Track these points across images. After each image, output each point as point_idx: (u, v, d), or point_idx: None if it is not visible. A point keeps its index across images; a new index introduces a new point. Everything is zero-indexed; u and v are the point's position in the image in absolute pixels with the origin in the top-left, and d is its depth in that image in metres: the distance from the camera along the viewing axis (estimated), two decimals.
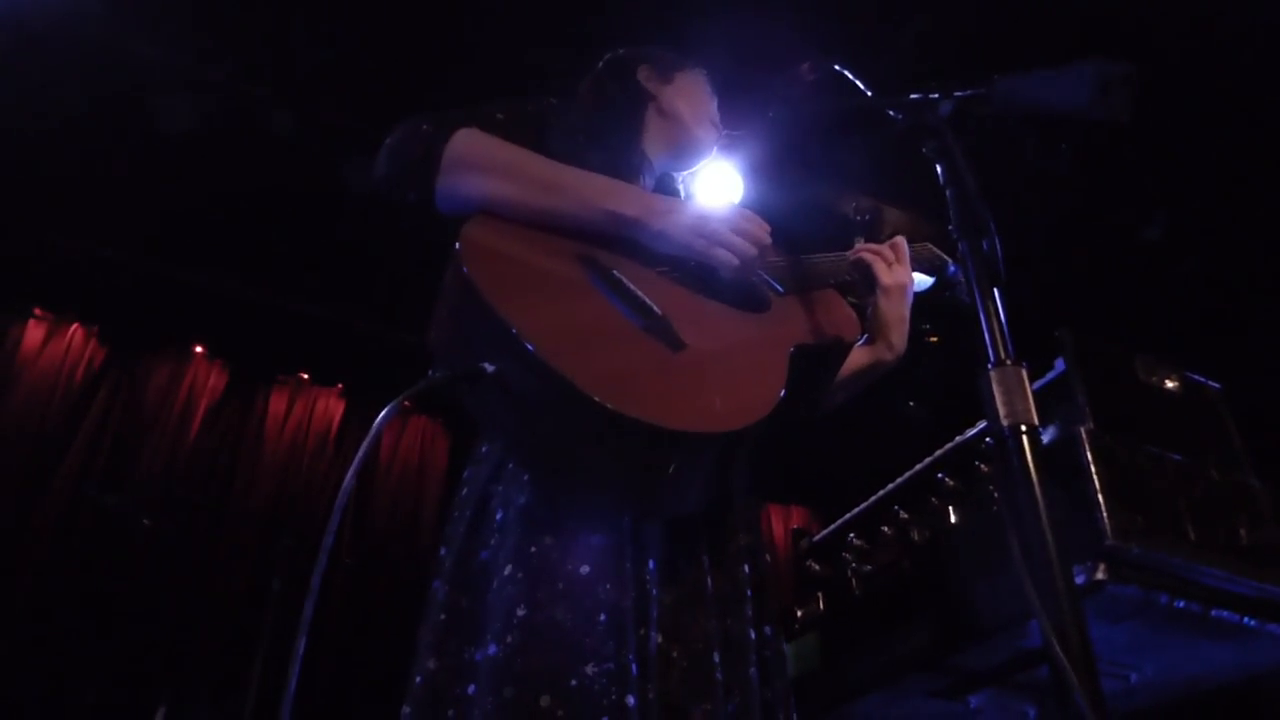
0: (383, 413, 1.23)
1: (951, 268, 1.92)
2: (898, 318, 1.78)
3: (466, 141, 1.49)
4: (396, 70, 4.32)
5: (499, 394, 1.26)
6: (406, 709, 1.32)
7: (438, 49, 4.23)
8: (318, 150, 4.62)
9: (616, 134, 1.78)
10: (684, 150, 1.89)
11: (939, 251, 1.96)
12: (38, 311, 5.37)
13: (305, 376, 5.95)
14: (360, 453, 1.16)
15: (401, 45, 4.24)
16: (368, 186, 4.56)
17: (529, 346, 1.18)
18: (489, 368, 1.23)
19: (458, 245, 1.33)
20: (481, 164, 1.47)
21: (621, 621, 1.27)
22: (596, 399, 1.15)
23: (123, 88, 4.32)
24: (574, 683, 1.21)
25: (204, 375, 5.66)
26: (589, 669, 1.22)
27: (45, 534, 4.77)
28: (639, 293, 1.38)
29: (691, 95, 1.91)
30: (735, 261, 1.48)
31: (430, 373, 1.33)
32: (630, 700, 1.21)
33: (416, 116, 1.54)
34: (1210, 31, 3.95)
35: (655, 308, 1.36)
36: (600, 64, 1.96)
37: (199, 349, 5.71)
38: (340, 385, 6.03)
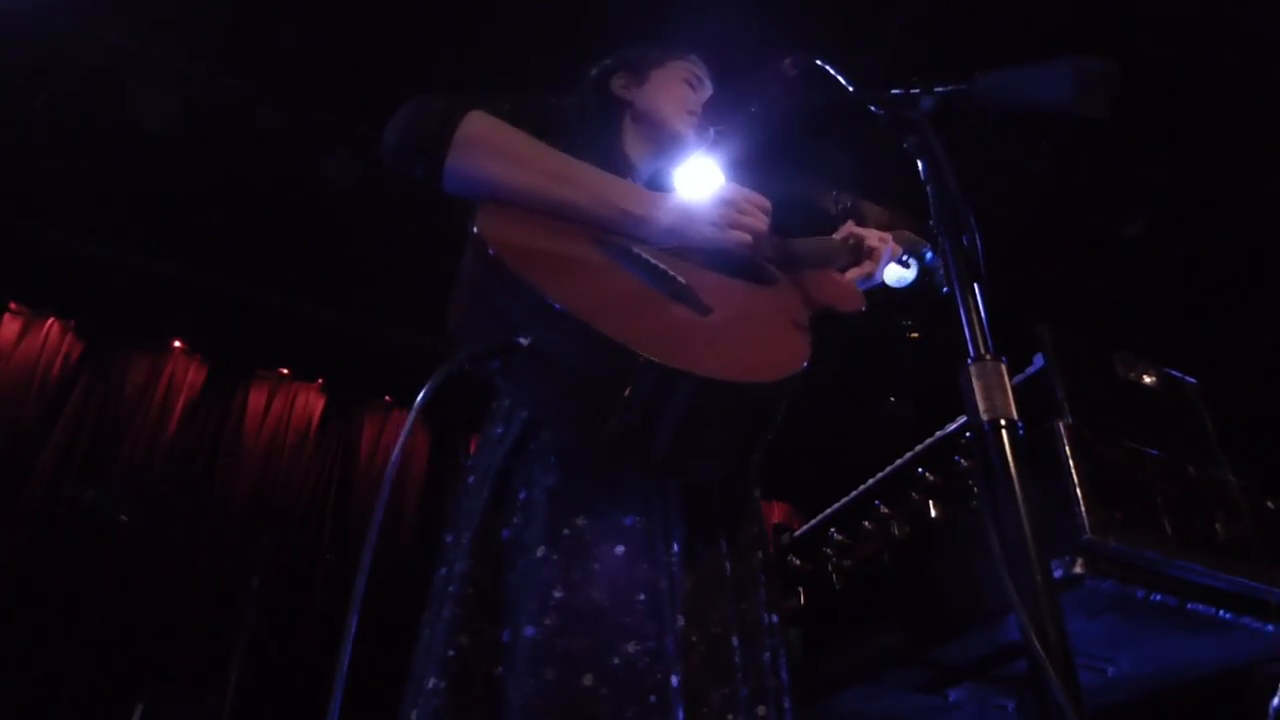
0: (419, 396, 1.23)
1: (929, 254, 1.95)
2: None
3: (480, 123, 1.49)
4: (378, 65, 4.29)
5: (534, 366, 1.26)
6: (437, 681, 1.29)
7: (420, 43, 4.21)
8: (298, 144, 4.58)
9: (598, 144, 1.79)
10: (664, 146, 1.90)
11: (917, 237, 1.99)
12: (13, 306, 5.32)
13: (285, 372, 5.92)
14: (401, 437, 1.20)
15: (383, 39, 4.21)
16: (348, 180, 4.55)
17: (569, 313, 1.19)
18: (523, 340, 1.23)
19: (475, 230, 1.33)
20: (494, 147, 1.47)
21: (659, 601, 1.27)
22: (645, 355, 1.16)
23: (101, 81, 4.27)
24: (616, 661, 1.21)
25: (182, 370, 5.62)
26: (630, 647, 1.22)
27: (21, 530, 4.73)
28: (660, 264, 1.39)
29: (667, 90, 1.91)
30: (749, 239, 1.51)
31: (460, 354, 1.29)
32: (674, 680, 1.22)
33: (428, 94, 1.53)
34: (1190, 28, 3.98)
35: (679, 277, 1.38)
36: (584, 82, 1.97)
37: (177, 344, 5.67)
38: (320, 380, 6.00)
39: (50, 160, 4.71)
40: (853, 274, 1.87)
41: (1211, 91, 4.24)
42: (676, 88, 1.92)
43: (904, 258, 1.98)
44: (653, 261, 1.39)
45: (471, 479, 1.51)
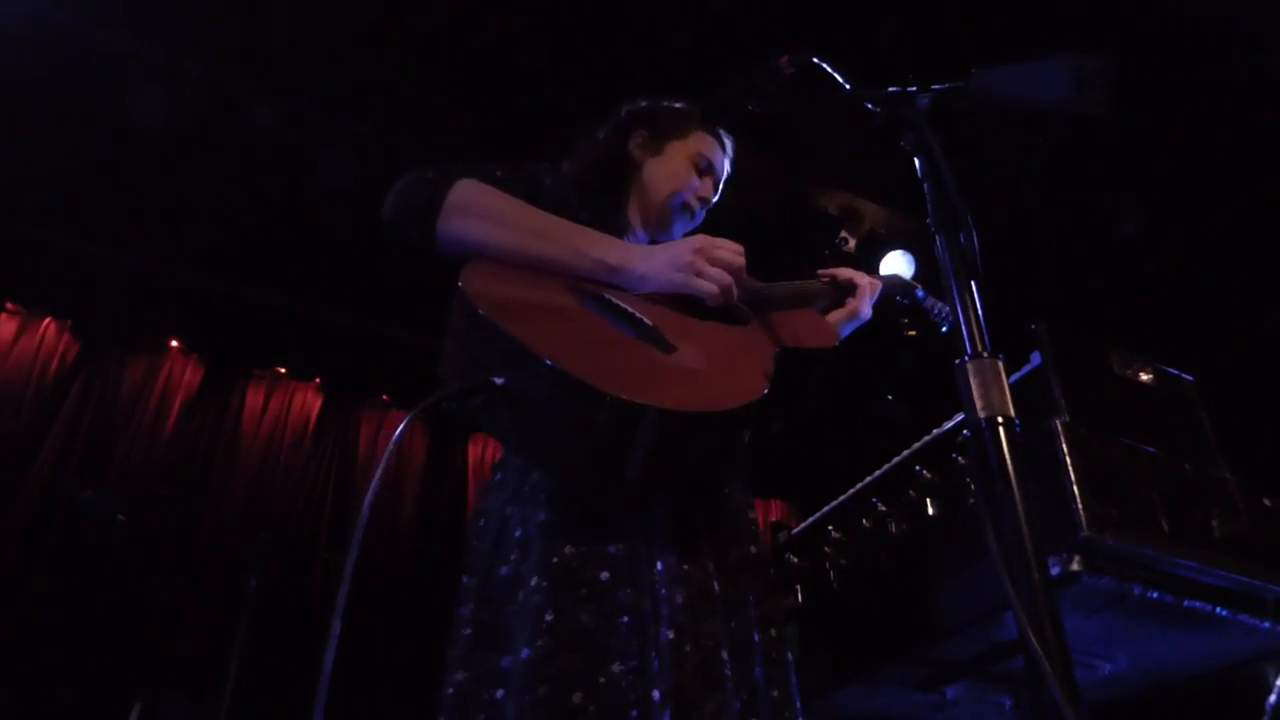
0: (399, 428, 1.38)
1: (921, 293, 2.00)
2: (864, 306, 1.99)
3: (467, 190, 1.61)
4: (376, 64, 4.29)
5: (510, 406, 1.35)
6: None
7: (419, 44, 4.20)
8: (296, 144, 4.58)
9: (602, 198, 1.89)
10: (653, 224, 1.96)
11: (905, 280, 2.04)
12: (9, 306, 5.31)
13: (282, 371, 5.91)
14: (380, 468, 1.23)
15: (381, 38, 4.21)
16: (346, 180, 4.54)
17: (537, 355, 1.28)
18: (498, 380, 1.33)
19: (460, 284, 1.44)
20: (480, 211, 1.59)
21: (642, 622, 1.36)
22: (608, 392, 1.23)
23: (97, 81, 4.27)
24: (602, 680, 1.30)
25: (179, 370, 5.61)
26: (615, 667, 1.31)
27: (18, 531, 4.72)
28: (628, 308, 1.49)
29: (674, 170, 1.97)
30: (715, 289, 1.57)
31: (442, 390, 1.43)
32: (655, 694, 1.30)
33: (422, 167, 1.66)
34: (1186, 25, 3.98)
35: (645, 319, 1.47)
36: (614, 117, 2.04)
37: (174, 343, 5.66)
38: (318, 380, 6.00)
39: (46, 160, 4.70)
40: (836, 316, 1.94)
41: (1207, 89, 4.24)
42: (683, 172, 1.97)
43: (899, 299, 2.04)
44: (621, 306, 1.49)
45: (482, 522, 1.60)
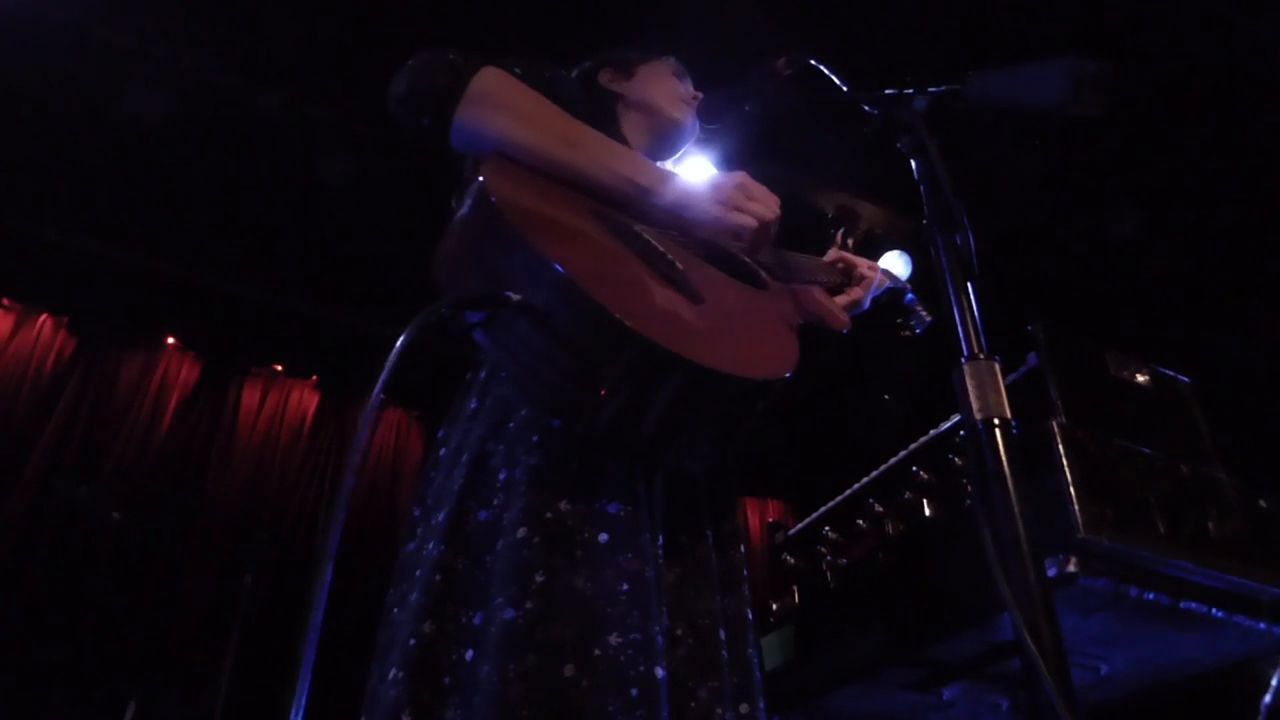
0: (398, 342, 1.16)
1: (910, 296, 1.99)
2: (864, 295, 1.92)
3: (494, 78, 1.45)
4: (374, 61, 4.28)
5: (521, 326, 1.22)
6: (397, 671, 1.25)
7: (415, 41, 4.20)
8: (293, 140, 4.57)
9: (598, 128, 1.76)
10: (663, 134, 1.89)
11: (900, 280, 2.03)
12: (5, 301, 5.29)
13: (279, 368, 5.90)
14: (362, 435, 1.10)
15: (379, 35, 4.20)
16: (343, 176, 4.54)
17: (568, 277, 1.16)
18: (514, 296, 1.19)
19: (480, 179, 1.28)
20: (506, 103, 1.43)
21: (645, 592, 1.23)
22: (644, 334, 1.14)
23: (94, 76, 4.26)
24: (597, 652, 1.18)
25: (176, 367, 5.60)
26: (613, 639, 1.19)
27: (13, 528, 4.71)
28: (658, 246, 1.37)
29: (657, 81, 1.91)
30: (754, 224, 1.48)
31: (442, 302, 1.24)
32: (659, 672, 1.19)
33: (439, 47, 1.50)
34: (1183, 26, 3.99)
35: (676, 261, 1.36)
36: (576, 72, 1.97)
37: (170, 340, 5.65)
38: (315, 377, 5.99)
39: (43, 156, 4.69)
40: (840, 300, 1.88)
41: (1204, 90, 4.25)
42: (667, 79, 1.92)
43: (895, 289, 2.03)
44: (652, 243, 1.37)
45: (443, 452, 1.47)
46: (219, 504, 5.26)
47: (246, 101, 4.42)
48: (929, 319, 1.96)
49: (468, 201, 1.31)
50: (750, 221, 1.47)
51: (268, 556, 3.92)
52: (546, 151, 1.41)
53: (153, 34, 4.21)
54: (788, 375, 1.30)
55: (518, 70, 1.53)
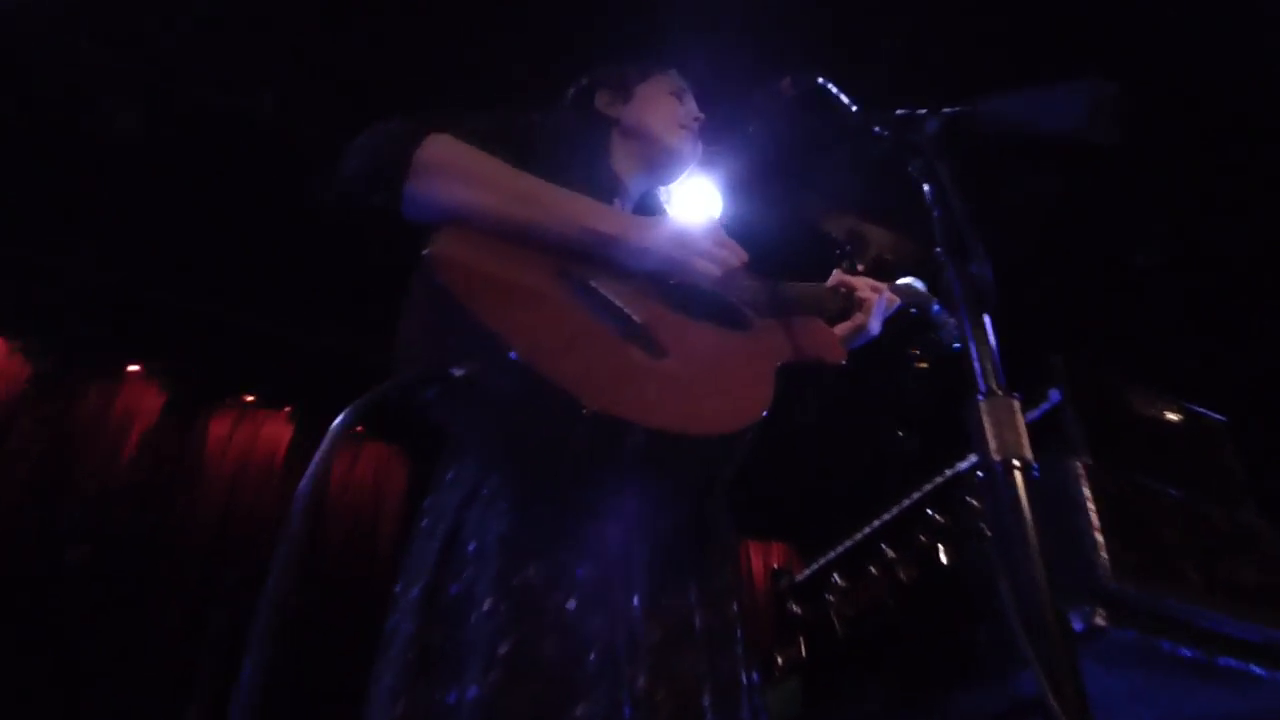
0: (336, 421, 1.23)
1: (937, 307, 1.98)
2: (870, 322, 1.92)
3: (441, 146, 1.50)
4: (352, 85, 4.32)
5: (471, 400, 1.27)
6: None
7: (398, 64, 4.24)
8: (267, 160, 4.60)
9: (583, 162, 1.80)
10: (659, 163, 1.91)
11: (920, 290, 2.01)
12: None
13: (250, 399, 5.89)
14: (314, 465, 1.13)
15: (356, 59, 4.24)
16: (327, 192, 4.56)
17: (508, 347, 1.20)
18: (457, 371, 1.24)
19: (426, 253, 1.34)
20: (456, 170, 1.48)
21: (613, 659, 1.25)
22: (588, 404, 1.18)
23: (58, 91, 4.28)
24: None
25: (139, 396, 5.58)
26: (579, 710, 1.20)
27: None
28: (617, 302, 1.40)
29: (655, 104, 1.93)
30: (716, 271, 1.53)
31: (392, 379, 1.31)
32: None
33: (387, 120, 1.55)
34: (1206, 48, 4.03)
35: (634, 316, 1.39)
36: (562, 103, 2.00)
37: (134, 368, 5.64)
38: (288, 409, 5.98)
39: (2, 172, 4.70)
40: (842, 329, 1.89)
41: (1230, 113, 4.29)
42: (665, 101, 1.94)
43: (911, 310, 2.01)
44: (608, 298, 1.41)
45: (425, 523, 1.50)
46: (187, 542, 5.23)
47: (221, 120, 4.44)
48: (956, 330, 1.95)
49: (416, 274, 1.37)
50: (711, 269, 1.53)
51: (240, 596, 3.90)
52: (500, 213, 1.45)
53: (122, 50, 4.25)
54: (759, 419, 1.33)
55: (480, 128, 1.58)
